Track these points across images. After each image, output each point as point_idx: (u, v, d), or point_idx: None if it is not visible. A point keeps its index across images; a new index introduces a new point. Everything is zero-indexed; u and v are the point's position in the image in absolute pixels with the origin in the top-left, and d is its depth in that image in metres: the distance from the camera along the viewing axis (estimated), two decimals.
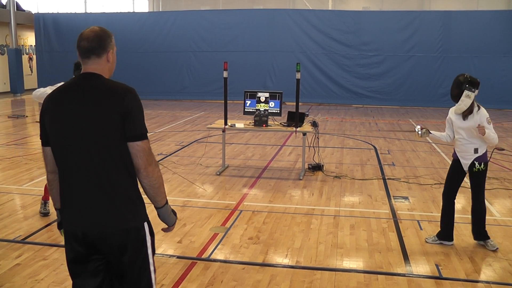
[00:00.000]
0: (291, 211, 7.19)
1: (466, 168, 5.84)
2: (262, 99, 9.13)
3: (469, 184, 8.23)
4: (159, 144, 11.96)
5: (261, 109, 9.07)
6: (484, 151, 5.77)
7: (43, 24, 23.85)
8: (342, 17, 21.47)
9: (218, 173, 9.16)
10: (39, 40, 24.05)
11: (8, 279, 4.92)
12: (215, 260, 5.43)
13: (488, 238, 5.87)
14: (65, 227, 2.89)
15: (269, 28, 21.87)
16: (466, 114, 5.77)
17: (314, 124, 9.16)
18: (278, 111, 9.12)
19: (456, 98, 5.78)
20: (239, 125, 9.18)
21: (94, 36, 2.84)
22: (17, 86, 23.30)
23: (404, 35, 20.94)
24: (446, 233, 5.97)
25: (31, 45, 26.33)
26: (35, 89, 25.46)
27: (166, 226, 3.14)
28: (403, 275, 5.16)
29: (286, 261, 5.48)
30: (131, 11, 30.78)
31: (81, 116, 2.75)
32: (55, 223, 6.41)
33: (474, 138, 5.74)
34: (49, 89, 6.28)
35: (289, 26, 21.69)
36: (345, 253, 5.70)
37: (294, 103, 9.14)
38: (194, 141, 12.42)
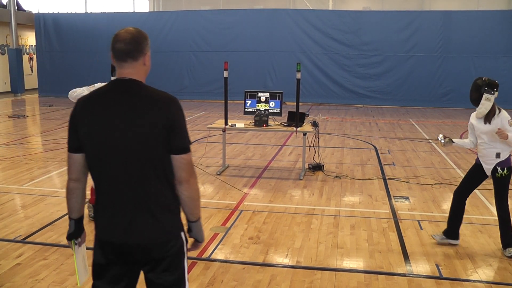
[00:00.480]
0: (292, 211, 7.19)
1: (489, 173, 5.76)
2: (263, 99, 9.13)
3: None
4: None
5: (261, 109, 9.07)
6: (507, 155, 5.64)
7: (44, 24, 23.87)
8: (342, 17, 21.47)
9: (218, 173, 9.16)
10: (40, 40, 24.06)
11: (8, 279, 4.93)
12: (215, 260, 5.43)
13: (511, 245, 5.68)
14: (100, 235, 2.78)
15: (269, 28, 21.86)
16: (489, 117, 5.61)
17: (315, 124, 9.16)
18: (279, 111, 9.12)
19: (476, 102, 5.64)
20: (240, 125, 9.19)
21: (131, 38, 2.68)
22: (17, 86, 23.30)
23: (404, 35, 20.94)
24: (453, 231, 5.94)
25: (31, 45, 26.34)
26: (35, 89, 25.35)
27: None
28: (404, 275, 5.16)
29: (286, 261, 5.48)
30: (132, 11, 30.78)
31: (122, 125, 2.62)
32: (55, 223, 6.44)
33: (496, 142, 5.61)
34: (86, 90, 6.13)
35: (289, 26, 21.69)
36: (346, 253, 5.70)
37: (295, 103, 9.14)
38: (195, 141, 12.42)
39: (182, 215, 2.86)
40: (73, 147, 2.76)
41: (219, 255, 5.59)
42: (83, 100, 2.74)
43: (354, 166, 9.92)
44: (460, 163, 10.20)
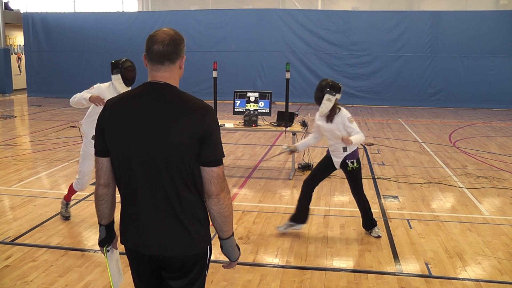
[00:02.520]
0: (281, 210, 7.19)
1: (338, 166, 6.16)
2: (252, 99, 9.13)
3: (459, 184, 8.29)
4: None
5: (250, 109, 9.07)
6: (353, 148, 6.05)
7: (32, 24, 23.72)
8: (331, 17, 21.51)
9: None
10: (28, 39, 23.91)
11: None
12: None
13: (375, 226, 6.21)
14: (127, 244, 2.71)
15: (258, 28, 21.87)
16: (329, 117, 6.01)
17: (304, 124, 9.17)
18: (268, 111, 9.12)
19: (318, 101, 6.04)
20: (229, 125, 9.18)
21: (170, 39, 2.56)
22: (5, 86, 23.13)
23: (393, 35, 21.02)
24: (299, 216, 6.25)
25: (19, 45, 26.16)
26: (24, 89, 25.16)
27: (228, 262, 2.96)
28: (393, 274, 5.18)
29: (276, 260, 5.48)
30: (121, 10, 30.65)
31: (153, 132, 2.50)
32: (44, 224, 6.40)
33: (337, 139, 5.99)
34: (86, 93, 6.01)
35: (278, 25, 21.70)
36: (335, 252, 5.71)
37: (284, 103, 9.15)
38: None
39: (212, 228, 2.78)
40: (100, 151, 2.65)
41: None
42: (113, 102, 2.63)
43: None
44: (449, 162, 10.26)
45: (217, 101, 9.54)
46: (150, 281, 2.76)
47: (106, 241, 2.88)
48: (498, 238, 6.15)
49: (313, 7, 26.59)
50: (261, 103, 9.13)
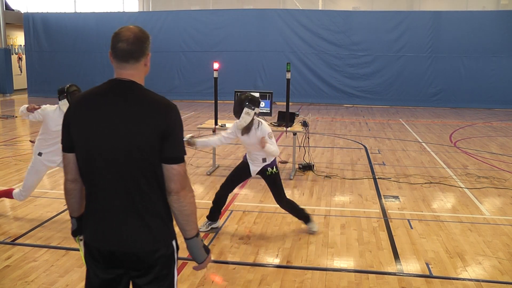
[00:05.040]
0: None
1: (253, 174, 6.22)
2: None
3: (460, 184, 8.28)
4: None
5: None
6: (272, 159, 6.12)
7: (33, 24, 23.74)
8: (332, 17, 21.51)
9: (208, 173, 9.15)
10: (29, 39, 23.93)
11: None
12: None
13: (310, 221, 6.27)
14: (88, 240, 2.70)
15: (259, 28, 21.87)
16: (247, 130, 6.04)
17: (305, 124, 9.17)
18: (269, 111, 9.12)
19: (237, 114, 6.10)
20: (230, 125, 9.16)
21: (134, 37, 2.57)
22: (6, 86, 23.15)
23: (394, 35, 21.03)
24: (214, 215, 6.33)
25: (20, 45, 26.18)
26: (24, 89, 25.12)
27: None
28: (394, 274, 5.18)
29: (276, 261, 5.48)
30: (121, 10, 30.66)
31: (116, 129, 2.51)
32: (45, 224, 6.40)
33: (259, 151, 6.03)
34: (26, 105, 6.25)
35: (279, 26, 21.71)
36: (336, 252, 5.71)
37: (285, 103, 9.15)
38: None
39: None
40: (66, 147, 2.66)
41: None
42: (79, 98, 2.64)
43: (344, 166, 9.94)
44: (449, 162, 10.25)
45: (218, 101, 9.55)
46: (105, 277, 2.70)
47: (78, 232, 2.94)
48: (499, 238, 6.14)
49: (313, 7, 26.59)
50: (262, 103, 9.11)
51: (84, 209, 2.73)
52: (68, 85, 6.41)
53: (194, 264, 2.89)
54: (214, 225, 6.36)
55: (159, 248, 2.67)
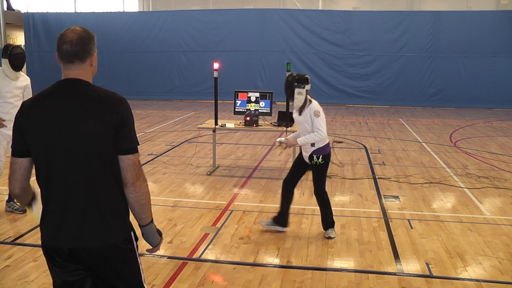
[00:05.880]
0: None
1: (307, 160, 6.13)
2: (253, 99, 9.13)
3: (460, 184, 8.29)
4: (150, 144, 11.94)
5: (251, 109, 9.07)
6: (322, 144, 6.02)
7: (33, 24, 23.73)
8: (332, 17, 21.51)
9: (208, 173, 9.15)
10: (29, 39, 23.92)
11: None
12: (206, 260, 5.42)
13: (332, 226, 6.21)
14: (47, 242, 2.71)
15: (259, 28, 21.87)
16: (301, 109, 6.05)
17: None
18: (269, 111, 9.12)
19: (291, 97, 6.13)
20: (230, 125, 9.18)
21: (78, 39, 2.62)
22: None
23: (394, 35, 21.03)
24: (282, 218, 6.24)
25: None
26: None
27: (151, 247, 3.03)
28: (394, 274, 5.18)
29: (277, 261, 5.48)
30: (121, 10, 30.67)
31: (71, 127, 2.57)
32: None
33: (307, 132, 6.03)
34: None
35: (279, 26, 21.71)
36: (336, 252, 5.71)
37: (285, 103, 9.14)
38: (185, 141, 12.40)
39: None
40: (18, 151, 2.67)
41: (209, 255, 5.58)
42: (30, 102, 2.65)
43: (344, 166, 9.94)
44: (449, 162, 10.25)
45: (218, 101, 9.54)
46: (68, 279, 2.74)
47: (30, 204, 3.00)
48: (499, 238, 6.14)
49: (314, 7, 26.60)
50: (262, 103, 9.12)
51: (42, 212, 2.74)
52: (13, 46, 6.53)
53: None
54: (277, 228, 6.28)
55: (120, 241, 2.73)
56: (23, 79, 6.76)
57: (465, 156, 11.03)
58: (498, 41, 20.33)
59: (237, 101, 9.21)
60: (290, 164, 9.83)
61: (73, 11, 28.57)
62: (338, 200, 7.74)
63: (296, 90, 5.98)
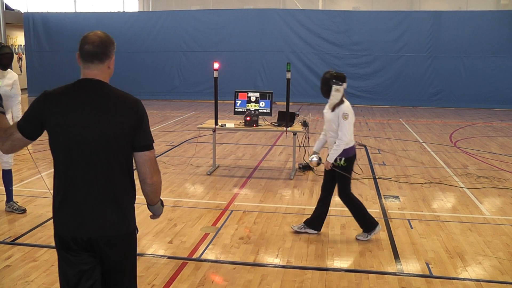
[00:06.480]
0: (282, 210, 7.19)
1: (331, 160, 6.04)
2: (253, 99, 9.13)
3: (460, 184, 8.29)
4: None
5: (251, 109, 9.07)
6: (346, 146, 5.96)
7: (33, 24, 23.71)
8: (332, 17, 21.49)
9: (208, 173, 9.15)
10: (29, 39, 23.89)
11: None
12: (206, 260, 5.42)
13: (365, 230, 6.09)
14: (64, 234, 2.86)
15: (259, 28, 21.85)
16: (336, 106, 5.96)
17: (305, 124, 9.17)
18: (269, 111, 9.12)
19: (327, 94, 6.01)
20: (230, 125, 9.18)
21: (99, 41, 2.84)
22: None
23: (394, 35, 21.01)
24: (312, 221, 6.23)
25: (20, 45, 26.16)
26: (25, 89, 25.15)
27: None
28: (394, 274, 5.18)
29: (277, 261, 5.48)
30: (121, 10, 30.67)
31: (91, 123, 2.76)
32: (45, 224, 6.41)
33: (333, 132, 6.00)
34: None
35: (279, 25, 21.69)
36: (336, 252, 5.71)
37: (285, 103, 9.15)
38: (185, 141, 12.40)
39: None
40: (24, 129, 2.88)
41: (209, 255, 5.58)
42: (51, 95, 2.85)
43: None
44: (449, 162, 10.26)
45: (218, 101, 9.54)
46: (81, 268, 2.86)
47: None
48: (499, 238, 6.15)
49: (314, 7, 26.59)
50: (262, 103, 9.12)
51: (58, 204, 2.87)
52: (0, 46, 6.48)
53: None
54: (309, 232, 6.25)
55: (131, 229, 2.99)
56: (10, 77, 6.76)
57: (465, 156, 11.03)
58: (498, 41, 20.31)
59: (237, 101, 9.21)
60: (290, 164, 9.85)
61: (73, 11, 28.58)
62: (338, 200, 7.72)
63: (334, 87, 5.90)
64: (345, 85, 5.96)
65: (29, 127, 2.88)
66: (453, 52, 20.60)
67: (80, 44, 2.86)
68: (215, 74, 9.22)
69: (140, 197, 3.09)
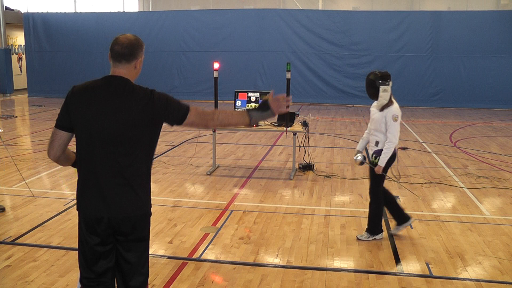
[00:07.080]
0: (282, 211, 7.19)
1: (371, 158, 6.07)
2: (253, 99, 9.14)
3: (460, 184, 8.30)
4: None
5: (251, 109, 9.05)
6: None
7: (33, 24, 23.71)
8: (332, 17, 21.49)
9: (208, 173, 9.15)
10: (29, 39, 23.90)
11: None
12: (206, 260, 5.42)
13: (370, 232, 6.09)
14: (88, 213, 3.12)
15: (259, 28, 21.85)
16: (385, 106, 5.88)
17: (305, 124, 9.17)
18: None
19: (374, 96, 5.91)
20: None
21: (128, 43, 3.10)
22: (6, 86, 23.13)
23: (394, 35, 21.00)
24: (397, 218, 6.21)
25: (20, 45, 26.17)
26: (25, 89, 25.20)
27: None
28: (394, 274, 5.18)
29: (277, 260, 5.48)
30: (121, 10, 30.68)
31: (114, 114, 3.01)
32: (45, 224, 6.41)
33: (378, 132, 5.94)
34: None
35: (279, 26, 21.69)
36: (336, 252, 5.71)
37: None
38: (185, 141, 12.40)
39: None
40: (61, 125, 3.13)
41: (209, 255, 5.58)
42: (79, 89, 3.11)
43: (344, 166, 9.94)
44: (449, 162, 10.26)
45: (218, 101, 9.55)
46: (103, 243, 3.16)
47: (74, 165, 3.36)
48: (499, 238, 6.15)
49: (314, 7, 26.60)
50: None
51: (80, 185, 3.18)
52: None
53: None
54: (401, 228, 6.21)
55: (147, 213, 3.25)
56: None
57: (465, 156, 11.03)
58: (498, 41, 20.30)
59: (237, 101, 9.22)
60: (290, 164, 9.85)
61: (73, 11, 28.58)
62: (338, 200, 7.74)
63: (382, 88, 5.77)
64: (391, 83, 5.86)
65: (63, 121, 3.13)
66: (453, 52, 20.60)
67: (111, 44, 3.12)
68: (215, 74, 9.22)
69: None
